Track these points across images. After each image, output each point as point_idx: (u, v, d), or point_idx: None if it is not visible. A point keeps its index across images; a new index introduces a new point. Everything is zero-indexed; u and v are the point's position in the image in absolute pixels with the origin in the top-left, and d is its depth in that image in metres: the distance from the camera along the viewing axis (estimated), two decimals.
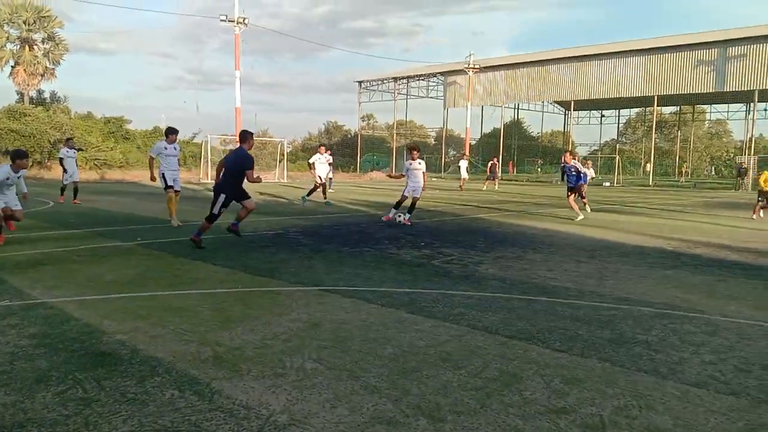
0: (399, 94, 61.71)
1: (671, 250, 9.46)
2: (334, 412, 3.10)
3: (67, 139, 17.64)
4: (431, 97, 62.52)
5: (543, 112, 68.83)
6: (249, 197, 8.79)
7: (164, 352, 3.98)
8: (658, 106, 48.15)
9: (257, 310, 5.16)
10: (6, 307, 5.05)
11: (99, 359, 3.81)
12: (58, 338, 4.21)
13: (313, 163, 17.66)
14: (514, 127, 68.92)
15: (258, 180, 8.67)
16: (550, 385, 3.55)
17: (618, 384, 3.61)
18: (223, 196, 8.47)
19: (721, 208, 19.95)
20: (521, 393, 3.42)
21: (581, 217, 14.10)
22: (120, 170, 34.45)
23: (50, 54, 41.85)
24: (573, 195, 14.46)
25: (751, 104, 42.82)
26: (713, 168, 68.06)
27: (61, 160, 16.47)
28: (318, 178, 17.33)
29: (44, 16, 40.60)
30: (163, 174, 10.95)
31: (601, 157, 57.46)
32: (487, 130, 67.05)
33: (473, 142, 63.74)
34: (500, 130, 56.24)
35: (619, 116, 70.88)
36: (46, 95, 45.57)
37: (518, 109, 66.85)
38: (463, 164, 31.16)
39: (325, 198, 17.32)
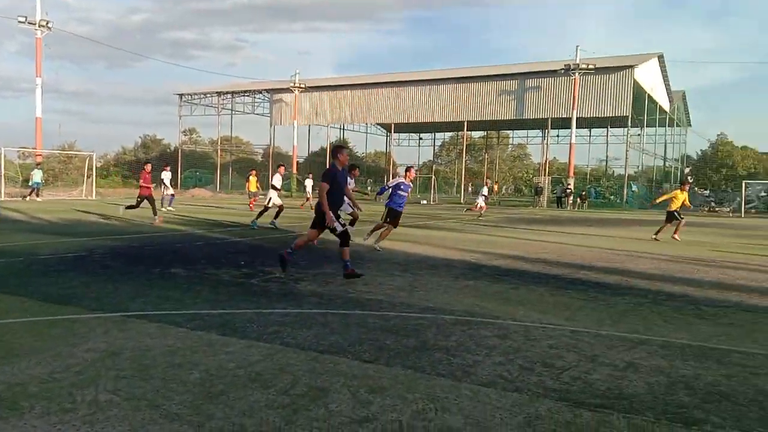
0: (223, 109, 60.14)
1: (474, 261, 10.30)
2: None
3: None
4: (257, 114, 61.83)
5: (367, 133, 71.38)
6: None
7: None
8: (468, 130, 52.42)
9: (48, 341, 4.68)
10: None
11: None
12: None
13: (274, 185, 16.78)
14: None
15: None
16: (356, 396, 3.66)
17: (418, 389, 3.83)
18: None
19: (519, 223, 22.18)
20: (327, 406, 3.49)
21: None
22: None
23: None
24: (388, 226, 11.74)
25: (546, 131, 48.33)
26: (514, 187, 75.52)
27: None
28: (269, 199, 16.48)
29: None
30: None
31: (419, 177, 60.97)
32: (314, 148, 67.87)
33: (300, 160, 64.01)
34: (326, 149, 57.18)
35: (434, 139, 75.78)
36: None
37: (344, 129, 68.59)
38: (309, 182, 30.98)
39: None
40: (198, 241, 12.39)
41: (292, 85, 51.58)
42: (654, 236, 15.82)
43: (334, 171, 8.04)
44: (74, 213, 20.02)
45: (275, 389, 3.75)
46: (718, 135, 70.78)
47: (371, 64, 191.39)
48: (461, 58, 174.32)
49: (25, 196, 28.94)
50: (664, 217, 16.27)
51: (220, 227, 16.47)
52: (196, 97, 60.38)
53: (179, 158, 58.90)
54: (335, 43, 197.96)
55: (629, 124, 43.22)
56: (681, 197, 15.94)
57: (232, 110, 61.68)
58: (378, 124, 64.78)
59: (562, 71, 40.72)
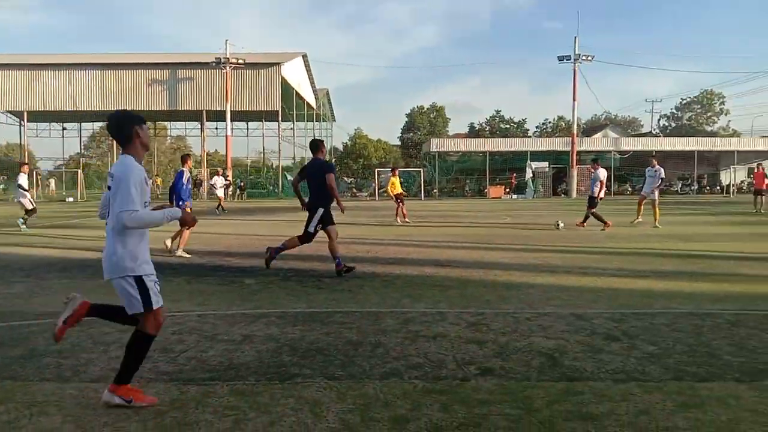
0: None
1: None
2: None
3: None
4: None
5: None
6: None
7: None
8: None
9: None
10: None
11: None
12: None
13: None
14: None
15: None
16: None
17: (14, 398, 3.55)
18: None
19: None
20: None
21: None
22: None
23: None
24: None
25: (203, 122, 47.99)
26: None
27: None
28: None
29: None
30: None
31: (66, 172, 54.68)
32: None
33: None
34: None
35: (81, 129, 68.48)
36: None
37: None
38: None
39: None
40: None
41: None
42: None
43: None
44: None
45: None
46: (355, 129, 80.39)
47: (3, 46, 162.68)
48: (107, 42, 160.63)
49: None
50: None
51: None
52: None
53: None
54: None
55: (280, 119, 45.89)
56: (396, 182, 18.71)
57: None
58: (8, 111, 55.60)
59: (214, 64, 40.97)
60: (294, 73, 48.77)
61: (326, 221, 8.17)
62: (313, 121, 61.43)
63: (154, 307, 3.49)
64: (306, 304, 6.22)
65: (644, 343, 4.65)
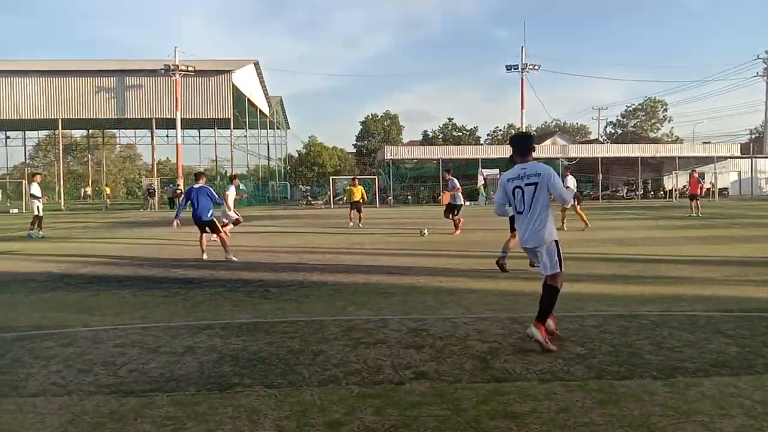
0: None
1: (58, 272, 9.63)
2: None
3: None
4: None
5: None
6: None
7: None
8: (65, 129, 47.51)
9: None
10: None
11: None
12: None
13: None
14: None
15: None
16: None
17: None
18: None
19: (123, 228, 21.32)
20: None
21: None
22: None
23: None
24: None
25: (153, 130, 47.12)
26: (126, 189, 71.79)
27: None
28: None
29: None
30: None
31: (10, 183, 52.83)
32: None
33: None
34: None
35: (25, 138, 66.20)
36: None
37: None
38: None
39: None
40: None
41: None
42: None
43: None
44: None
45: None
46: (309, 137, 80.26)
47: None
48: (53, 49, 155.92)
49: None
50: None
51: None
52: None
53: None
54: None
55: (233, 126, 45.47)
56: (357, 190, 20.20)
57: None
58: None
59: (162, 71, 40.36)
60: (246, 81, 48.44)
61: None
62: (266, 129, 61.07)
63: (563, 268, 5.12)
64: (251, 314, 6.30)
65: (573, 345, 4.92)
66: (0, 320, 6.14)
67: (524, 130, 46.83)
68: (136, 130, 65.46)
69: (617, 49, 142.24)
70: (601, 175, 45.99)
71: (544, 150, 51.00)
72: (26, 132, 65.04)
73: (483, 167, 44.34)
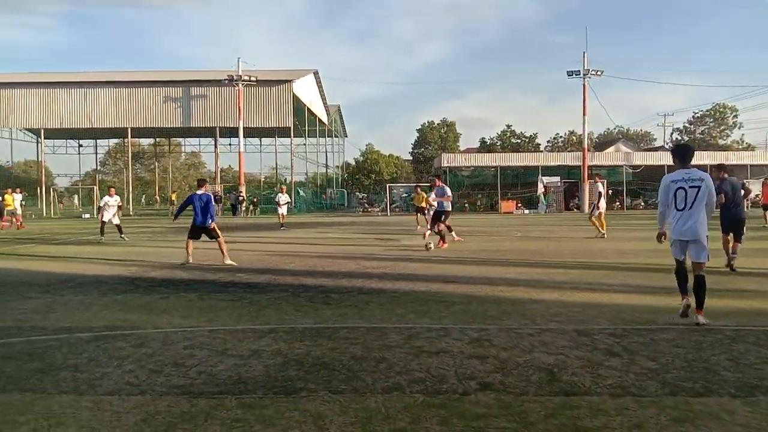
0: None
1: (128, 275, 10.01)
2: None
3: None
4: None
5: (12, 139, 61.62)
6: None
7: None
8: (133, 137, 49.55)
9: None
10: None
11: None
12: None
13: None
14: None
15: None
16: None
17: (33, 410, 3.72)
18: None
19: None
20: None
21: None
22: None
23: None
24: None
25: (216, 139, 48.55)
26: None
27: None
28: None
29: None
30: None
31: (82, 189, 55.44)
32: None
33: None
34: None
35: (96, 146, 69.46)
36: None
37: None
38: (17, 197, 27.76)
39: None
40: None
41: None
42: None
43: None
44: None
45: None
46: (366, 145, 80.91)
47: (21, 64, 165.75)
48: (122, 60, 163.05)
49: None
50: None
51: None
52: None
53: None
54: None
55: (293, 135, 46.35)
56: (420, 197, 21.57)
57: None
58: (25, 129, 56.58)
59: (226, 81, 41.58)
60: (306, 90, 49.30)
61: None
62: (324, 136, 61.95)
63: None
64: (313, 319, 6.37)
65: (644, 359, 4.74)
66: (77, 320, 6.43)
67: (586, 137, 45.80)
68: (201, 139, 67.70)
69: (681, 53, 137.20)
70: None
71: (607, 157, 49.79)
72: (98, 140, 68.32)
73: (543, 175, 43.52)
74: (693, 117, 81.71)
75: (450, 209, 15.03)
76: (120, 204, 18.72)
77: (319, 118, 55.49)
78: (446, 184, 16.15)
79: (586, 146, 44.83)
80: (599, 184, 17.80)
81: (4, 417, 3.61)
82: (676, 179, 6.13)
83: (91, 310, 7.01)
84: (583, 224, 23.66)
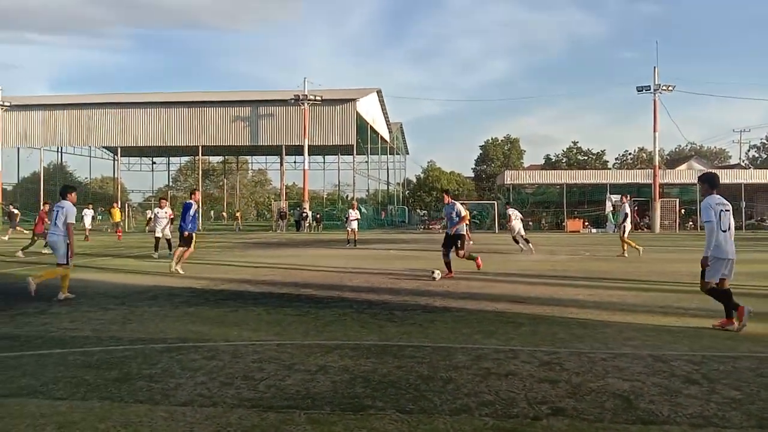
0: None
1: (199, 288, 10.32)
2: None
3: None
4: None
5: (91, 156, 65.20)
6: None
7: None
8: (204, 155, 51.41)
9: None
10: None
11: None
12: None
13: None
14: (59, 171, 63.30)
15: None
16: None
17: (111, 418, 3.85)
18: None
19: (254, 248, 22.55)
20: None
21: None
22: None
23: None
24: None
25: (282, 157, 49.75)
26: (257, 211, 76.10)
27: None
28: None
29: None
30: None
31: (154, 204, 57.67)
32: (25, 173, 59.74)
33: (8, 188, 55.80)
34: (41, 174, 50.74)
35: (169, 163, 72.46)
36: None
37: (61, 152, 61.65)
38: (88, 213, 30.18)
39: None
40: None
41: None
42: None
43: None
44: None
45: None
46: (428, 162, 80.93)
47: (95, 84, 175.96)
48: (192, 81, 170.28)
49: None
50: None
51: None
52: None
53: None
54: (51, 58, 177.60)
55: (355, 152, 46.94)
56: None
57: None
58: (103, 147, 59.70)
59: (292, 101, 42.65)
60: (368, 108, 49.93)
61: None
62: (386, 154, 62.41)
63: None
64: (378, 336, 6.36)
65: (726, 388, 4.48)
66: (151, 331, 6.66)
67: (656, 154, 44.27)
68: (267, 156, 69.56)
69: (758, 68, 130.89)
70: (744, 202, 42.13)
71: (679, 175, 47.89)
72: (170, 158, 71.29)
73: (611, 192, 42.24)
74: None
75: (464, 233, 12.90)
76: (171, 216, 17.86)
77: (381, 136, 56.02)
78: (511, 204, 15.83)
79: (656, 163, 43.33)
80: (626, 205, 17.82)
81: (85, 423, 3.75)
82: (720, 203, 6.67)
83: (164, 321, 7.25)
84: (655, 244, 22.79)
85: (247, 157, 73.24)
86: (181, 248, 13.04)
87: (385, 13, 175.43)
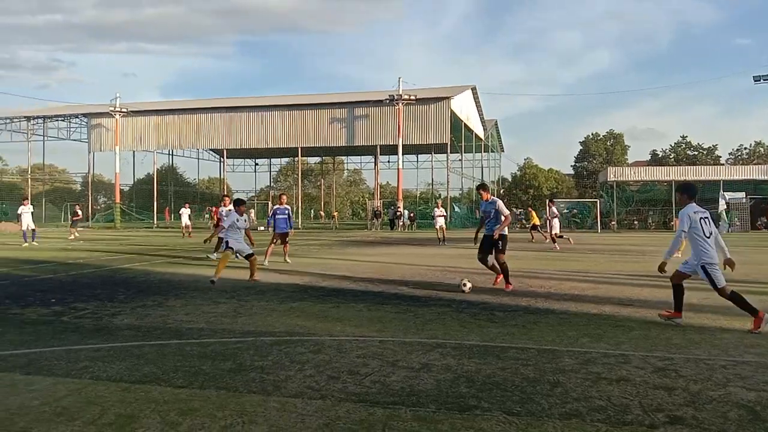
0: (33, 134, 54.89)
1: (302, 284, 10.67)
2: None
3: None
4: (74, 140, 57.27)
5: (198, 159, 69.17)
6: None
7: None
8: (303, 156, 53.06)
9: None
10: None
11: None
12: None
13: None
14: (170, 173, 67.65)
15: None
16: (165, 419, 3.80)
17: (228, 407, 4.06)
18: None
19: (351, 246, 23.01)
20: (135, 431, 3.60)
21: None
22: None
23: None
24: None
25: (376, 157, 50.45)
26: (352, 210, 77.59)
27: None
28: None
29: None
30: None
31: (257, 203, 60.39)
32: (140, 175, 64.34)
33: (125, 188, 60.32)
34: (154, 176, 54.44)
35: (270, 165, 75.48)
36: None
37: (172, 154, 65.84)
38: (185, 212, 31.70)
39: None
40: (3, 280, 11.37)
41: (112, 109, 48.66)
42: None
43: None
44: None
45: (81, 421, 3.77)
46: (525, 159, 79.03)
47: (200, 89, 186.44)
48: (291, 83, 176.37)
49: None
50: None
51: (30, 264, 15.15)
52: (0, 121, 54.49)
53: None
54: (163, 66, 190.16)
55: (449, 151, 46.71)
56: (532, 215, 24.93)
57: (44, 136, 56.58)
58: (210, 149, 63.14)
59: (387, 101, 43.08)
60: (463, 106, 49.53)
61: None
62: (481, 152, 61.62)
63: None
64: (479, 337, 6.30)
65: None
66: (260, 324, 6.96)
67: None
68: (361, 156, 70.77)
69: None
70: None
71: None
72: (271, 159, 74.22)
73: (725, 190, 39.47)
74: None
75: (506, 233, 10.43)
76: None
77: (475, 134, 55.40)
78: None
79: None
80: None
81: (204, 411, 3.98)
82: (698, 210, 6.91)
83: (272, 315, 7.55)
84: None
85: (343, 157, 74.88)
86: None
87: (481, 7, 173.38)
